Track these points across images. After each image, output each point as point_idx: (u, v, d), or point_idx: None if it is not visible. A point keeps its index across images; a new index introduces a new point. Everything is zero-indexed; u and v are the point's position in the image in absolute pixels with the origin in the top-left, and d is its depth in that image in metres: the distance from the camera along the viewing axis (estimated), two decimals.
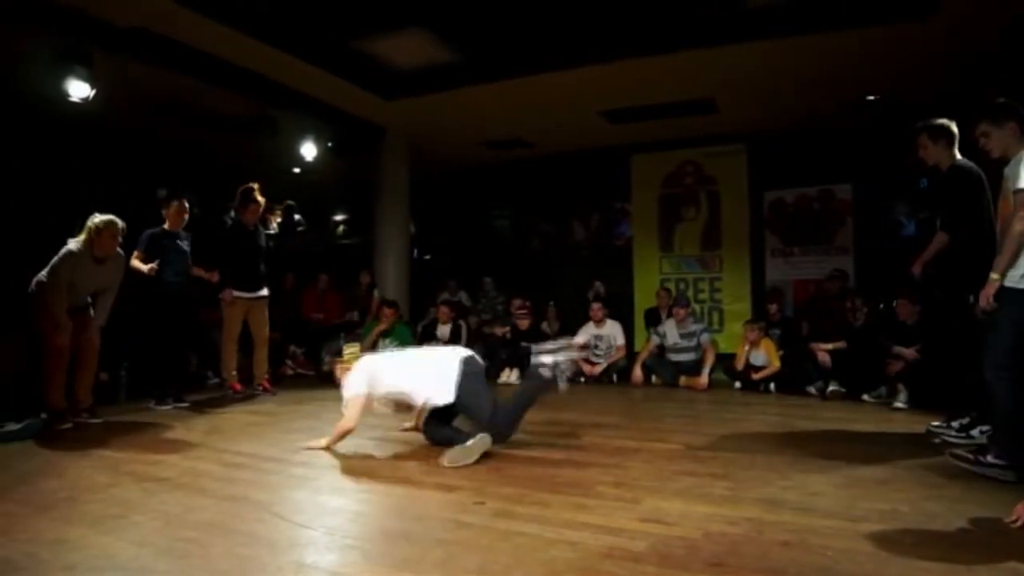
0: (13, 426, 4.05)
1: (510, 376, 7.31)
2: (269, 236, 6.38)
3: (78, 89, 5.79)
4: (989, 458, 3.06)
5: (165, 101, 7.37)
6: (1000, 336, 3.07)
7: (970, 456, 3.14)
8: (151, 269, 5.27)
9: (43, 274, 4.55)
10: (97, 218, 4.62)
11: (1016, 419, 3.03)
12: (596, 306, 7.67)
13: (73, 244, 4.59)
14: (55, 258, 4.54)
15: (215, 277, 5.80)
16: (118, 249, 4.80)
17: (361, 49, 6.44)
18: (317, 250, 10.71)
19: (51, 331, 4.51)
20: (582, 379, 7.32)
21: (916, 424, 4.38)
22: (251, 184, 6.13)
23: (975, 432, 3.85)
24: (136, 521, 2.49)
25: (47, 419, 4.41)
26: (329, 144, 8.40)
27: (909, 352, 5.45)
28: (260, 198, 6.13)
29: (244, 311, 6.05)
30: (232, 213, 7.09)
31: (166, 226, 5.54)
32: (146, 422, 4.76)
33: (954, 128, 4.01)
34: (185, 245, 5.61)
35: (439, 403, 3.67)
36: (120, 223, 4.69)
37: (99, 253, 4.65)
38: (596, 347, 7.58)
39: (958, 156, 4.00)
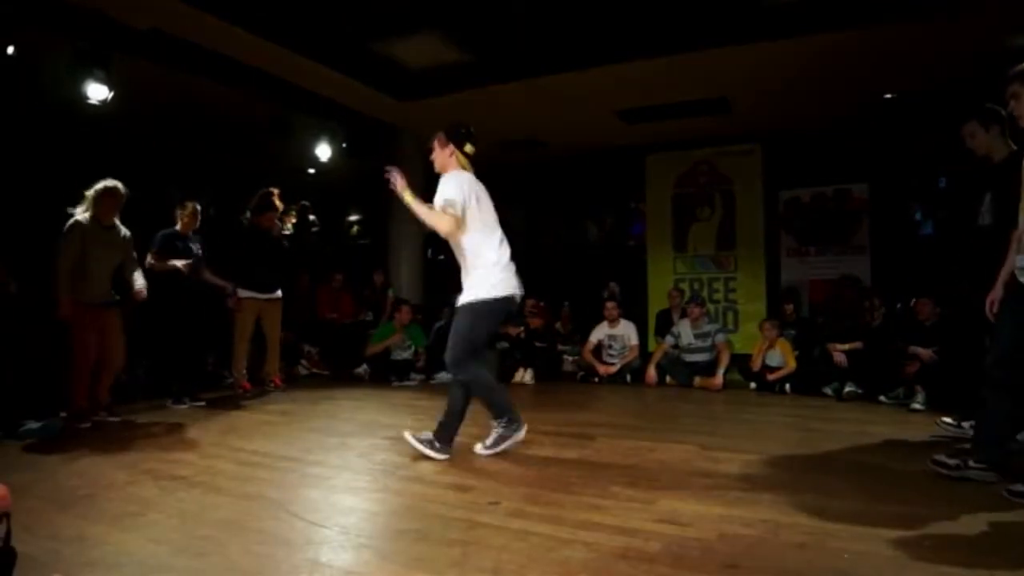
0: (33, 424, 4.10)
1: (524, 376, 7.30)
2: (285, 237, 6.41)
3: (96, 91, 5.86)
4: None
5: (181, 102, 7.43)
6: None
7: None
8: (186, 265, 5.34)
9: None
10: (98, 184, 4.63)
11: None
12: (610, 305, 7.63)
13: (78, 215, 4.58)
14: (63, 232, 4.52)
15: (228, 288, 5.85)
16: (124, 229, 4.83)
17: (376, 51, 6.47)
18: (331, 250, 10.77)
19: (79, 329, 4.52)
20: (596, 379, 7.31)
21: (934, 426, 4.33)
22: (271, 189, 6.20)
23: (1020, 436, 3.70)
24: (154, 519, 2.52)
25: (66, 418, 4.47)
26: (344, 145, 8.44)
27: (926, 352, 5.40)
28: (279, 204, 6.21)
29: (256, 312, 6.11)
30: (248, 214, 7.15)
31: (178, 228, 5.58)
32: (163, 421, 4.80)
33: (1003, 113, 3.68)
34: (197, 247, 5.64)
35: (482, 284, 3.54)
36: (121, 187, 4.68)
37: (105, 219, 4.66)
38: (610, 347, 7.56)
39: (1013, 145, 3.71)
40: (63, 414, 4.47)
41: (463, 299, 3.60)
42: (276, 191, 6.21)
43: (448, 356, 3.57)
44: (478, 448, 3.64)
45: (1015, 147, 3.69)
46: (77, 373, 4.57)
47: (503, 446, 3.61)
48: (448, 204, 3.46)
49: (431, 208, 3.55)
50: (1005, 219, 3.57)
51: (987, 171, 3.87)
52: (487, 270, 3.57)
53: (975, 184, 4.00)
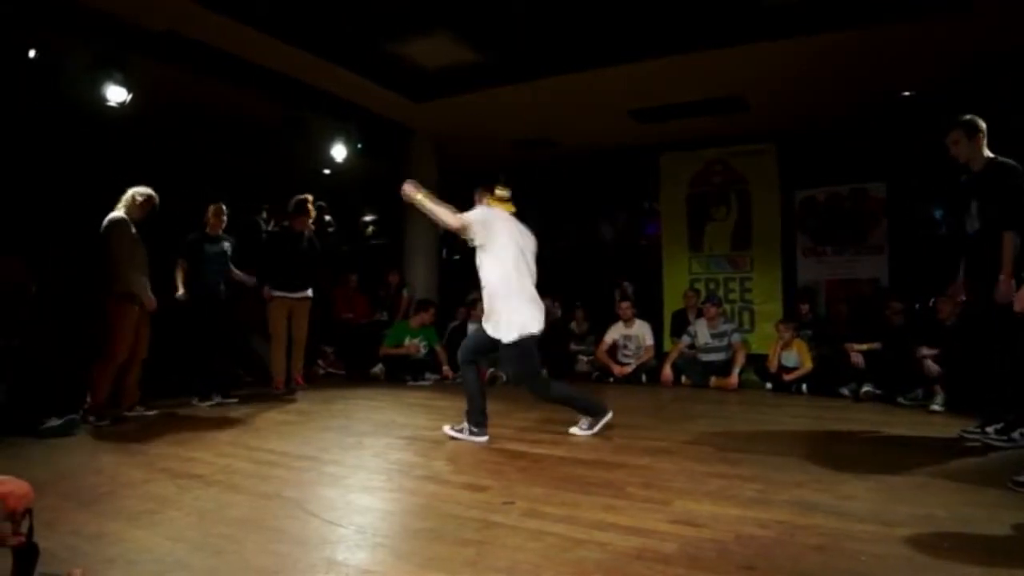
0: (55, 422, 4.14)
1: None
2: (316, 239, 6.50)
3: (115, 93, 5.93)
4: None
5: (197, 104, 7.49)
6: None
7: None
8: (182, 295, 5.47)
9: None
10: (137, 188, 4.85)
11: None
12: (625, 305, 7.62)
13: (116, 213, 4.77)
14: (106, 231, 4.69)
15: (252, 281, 5.94)
16: None
17: (390, 51, 6.49)
18: (347, 250, 10.81)
19: (124, 323, 4.66)
20: (611, 379, 7.30)
21: (953, 427, 4.28)
22: (307, 196, 6.39)
23: (1016, 435, 3.76)
24: (171, 517, 2.55)
25: (86, 412, 4.55)
26: (359, 145, 8.47)
27: (931, 357, 5.38)
28: (312, 210, 6.41)
29: (288, 310, 6.21)
30: (264, 215, 7.22)
31: (207, 229, 5.67)
32: (179, 419, 4.86)
33: (984, 124, 3.93)
34: (226, 247, 5.74)
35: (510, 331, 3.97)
36: (156, 197, 4.94)
37: (136, 218, 4.83)
38: (625, 347, 7.54)
39: (989, 153, 3.91)
40: (85, 407, 4.53)
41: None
42: (311, 197, 6.41)
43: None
44: (574, 429, 4.15)
45: (991, 156, 3.90)
46: (106, 369, 4.66)
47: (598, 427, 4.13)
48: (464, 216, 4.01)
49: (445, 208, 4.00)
50: (992, 223, 3.80)
51: (970, 179, 4.03)
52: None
53: (963, 192, 4.09)
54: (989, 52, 6.02)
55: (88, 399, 4.65)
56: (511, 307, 3.97)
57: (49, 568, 1.79)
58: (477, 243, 4.00)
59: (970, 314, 4.10)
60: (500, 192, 4.22)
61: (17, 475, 1.68)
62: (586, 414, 4.17)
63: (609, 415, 4.16)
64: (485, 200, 4.20)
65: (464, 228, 3.94)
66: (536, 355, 4.12)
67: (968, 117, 3.97)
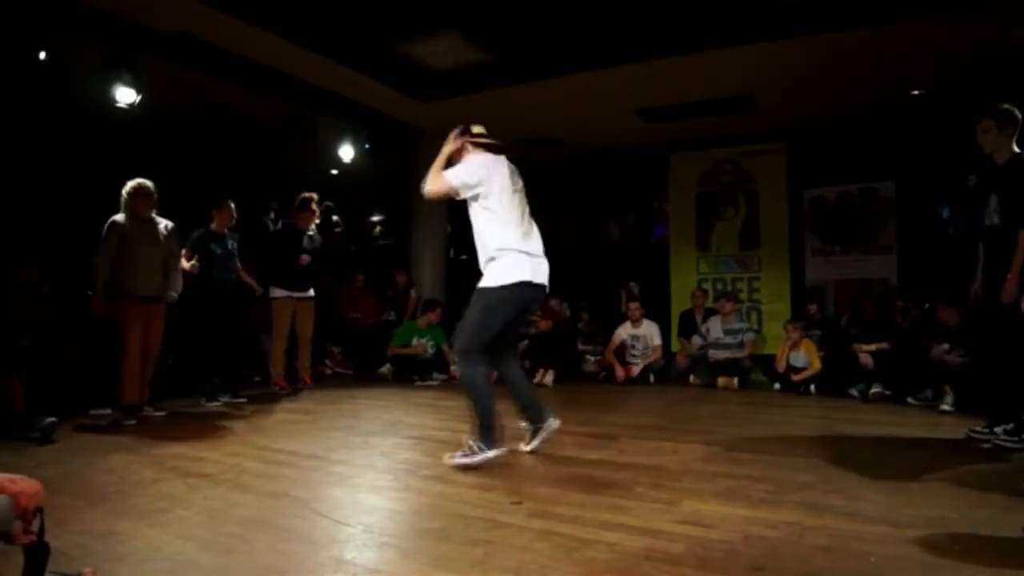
0: (49, 419, 4.09)
1: (544, 378, 7.25)
2: (319, 238, 6.51)
3: (124, 95, 5.96)
4: None
5: (206, 104, 7.52)
6: None
7: None
8: (192, 266, 5.44)
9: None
10: (127, 184, 4.84)
11: None
12: (634, 306, 7.61)
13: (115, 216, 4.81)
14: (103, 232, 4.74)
15: (258, 290, 5.99)
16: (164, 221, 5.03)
17: (398, 52, 6.50)
18: (354, 250, 10.84)
19: (124, 322, 4.69)
20: (619, 380, 7.29)
21: (963, 428, 4.25)
22: (312, 194, 6.39)
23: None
24: (181, 515, 2.56)
25: (115, 413, 4.67)
26: (366, 145, 8.49)
27: (955, 359, 5.34)
28: (316, 208, 6.42)
29: (292, 310, 6.22)
30: (272, 214, 7.23)
31: (213, 226, 5.68)
32: (188, 419, 4.88)
33: (1019, 117, 3.81)
34: (232, 245, 5.76)
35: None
36: (149, 184, 4.88)
37: (142, 215, 4.85)
38: (633, 347, 7.53)
39: (1016, 148, 3.81)
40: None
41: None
42: (315, 196, 6.42)
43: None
44: (446, 457, 3.34)
45: (1018, 150, 3.80)
46: (125, 367, 4.71)
47: (474, 460, 3.27)
48: (456, 178, 3.46)
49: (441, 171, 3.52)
50: (1012, 219, 3.72)
51: (992, 172, 3.93)
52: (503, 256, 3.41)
53: (982, 185, 4.02)
54: (997, 51, 5.98)
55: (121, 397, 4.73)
56: (508, 259, 3.39)
57: (60, 567, 1.80)
58: (468, 195, 3.47)
59: (982, 310, 4.03)
60: (477, 130, 3.68)
61: (28, 474, 1.69)
62: (480, 435, 3.30)
63: (498, 453, 3.31)
64: (467, 149, 3.65)
65: (448, 188, 3.46)
66: (499, 325, 3.35)
67: (1005, 106, 3.84)
